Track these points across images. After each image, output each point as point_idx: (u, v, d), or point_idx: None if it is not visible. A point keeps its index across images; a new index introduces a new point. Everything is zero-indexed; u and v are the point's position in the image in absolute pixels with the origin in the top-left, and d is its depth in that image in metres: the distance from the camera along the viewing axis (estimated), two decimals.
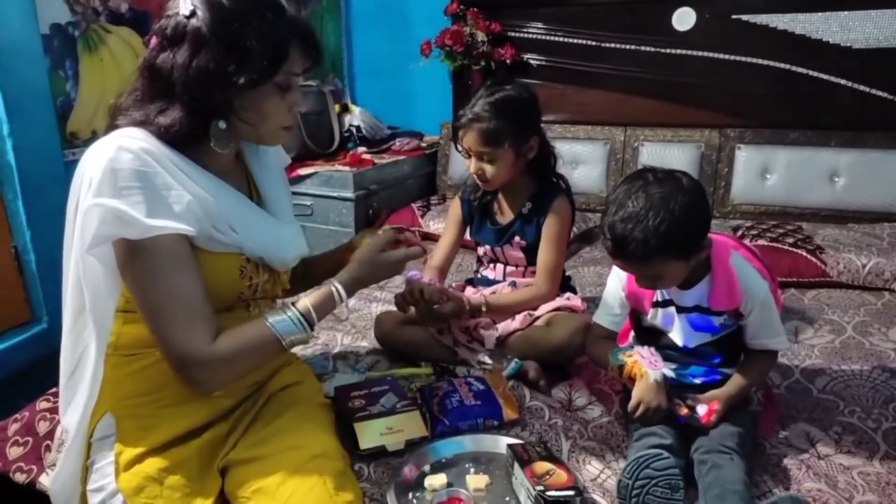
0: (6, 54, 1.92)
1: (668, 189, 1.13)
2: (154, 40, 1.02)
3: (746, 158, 2.69)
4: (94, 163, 0.97)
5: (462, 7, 3.05)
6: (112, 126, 1.04)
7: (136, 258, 0.98)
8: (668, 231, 1.09)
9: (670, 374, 1.21)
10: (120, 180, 0.94)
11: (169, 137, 1.01)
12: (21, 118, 1.98)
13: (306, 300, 1.11)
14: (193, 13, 0.97)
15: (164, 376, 1.07)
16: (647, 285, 1.24)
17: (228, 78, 0.98)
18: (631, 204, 1.12)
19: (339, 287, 1.16)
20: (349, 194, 2.77)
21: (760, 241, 2.24)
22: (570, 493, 1.03)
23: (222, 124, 1.03)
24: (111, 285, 1.02)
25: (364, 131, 3.25)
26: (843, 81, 2.58)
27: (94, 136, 2.27)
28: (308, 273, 1.37)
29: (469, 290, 1.73)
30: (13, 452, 1.31)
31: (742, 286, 1.21)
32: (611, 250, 1.17)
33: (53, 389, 1.49)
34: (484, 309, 1.56)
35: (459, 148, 1.59)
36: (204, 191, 1.03)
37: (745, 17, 2.66)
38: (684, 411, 1.20)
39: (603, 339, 1.36)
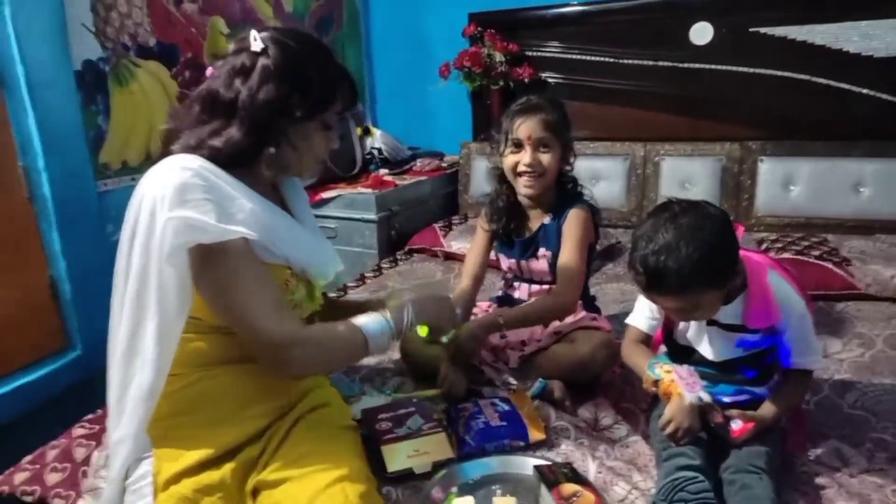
0: (42, 90, 1.99)
1: (696, 218, 1.12)
2: (214, 71, 1.14)
3: (769, 170, 2.67)
4: (158, 183, 1.03)
5: (479, 29, 3.09)
6: (167, 151, 1.12)
7: (214, 263, 1.03)
8: (702, 259, 1.08)
9: (707, 398, 1.19)
10: (188, 193, 1.01)
11: (221, 158, 1.09)
12: (55, 151, 2.05)
13: (386, 311, 1.19)
14: (265, 51, 1.10)
15: (198, 399, 1.12)
16: (684, 318, 1.23)
17: (288, 109, 1.10)
18: (661, 236, 1.11)
19: (411, 309, 1.20)
20: (372, 216, 2.81)
21: (786, 254, 2.22)
22: None
23: (272, 150, 1.13)
24: (183, 302, 1.04)
25: (385, 153, 3.29)
26: (865, 91, 2.56)
27: (124, 167, 2.35)
28: (334, 314, 1.39)
29: (483, 306, 1.74)
30: (51, 479, 1.35)
31: (779, 303, 1.20)
32: (644, 284, 1.15)
33: (89, 416, 1.54)
34: (501, 321, 1.53)
35: (509, 138, 1.58)
36: (256, 205, 1.10)
37: (762, 30, 2.66)
38: (719, 419, 1.18)
39: (639, 346, 1.35)
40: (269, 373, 1.15)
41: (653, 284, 1.13)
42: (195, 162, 1.06)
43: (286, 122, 1.12)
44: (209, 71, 1.15)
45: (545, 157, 1.55)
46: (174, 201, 1.00)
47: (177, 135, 1.13)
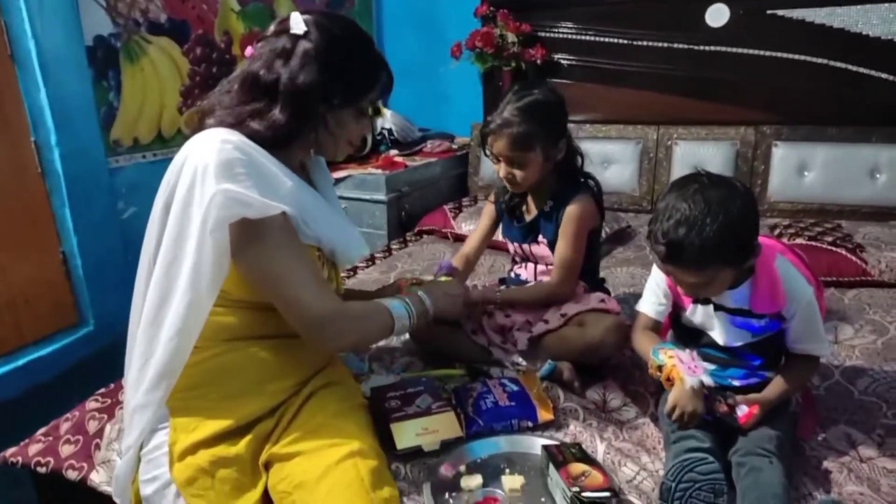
0: (53, 66, 1.99)
1: (725, 193, 1.09)
2: (253, 51, 1.15)
3: (783, 156, 2.65)
4: (200, 155, 1.03)
5: (492, 9, 3.06)
6: (201, 126, 1.11)
7: (256, 238, 1.04)
8: (725, 236, 1.06)
9: (708, 381, 1.18)
10: (233, 167, 1.02)
11: (258, 139, 1.09)
12: (67, 128, 2.06)
13: (406, 298, 1.26)
14: (307, 34, 1.10)
15: (218, 372, 1.13)
16: (693, 293, 1.22)
17: (329, 94, 1.11)
18: (686, 206, 1.08)
19: (426, 298, 1.28)
20: (382, 197, 2.81)
21: (799, 240, 2.20)
22: (606, 494, 1.04)
23: (312, 135, 1.15)
24: (218, 275, 1.04)
25: (396, 134, 3.28)
26: (883, 75, 2.52)
27: (135, 144, 2.35)
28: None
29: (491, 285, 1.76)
30: (65, 451, 1.36)
31: (786, 290, 1.18)
32: (663, 256, 1.12)
33: (102, 390, 1.55)
34: (498, 296, 1.60)
35: (488, 153, 1.60)
36: (293, 182, 1.11)
37: (780, 13, 2.62)
38: (723, 409, 1.18)
39: (647, 331, 1.34)
40: (300, 348, 1.17)
41: (672, 257, 1.11)
42: (235, 136, 1.06)
43: (325, 107, 1.12)
44: (248, 51, 1.16)
45: (518, 173, 1.56)
46: (219, 175, 1.00)
47: (211, 112, 1.13)
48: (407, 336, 1.68)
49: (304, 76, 1.09)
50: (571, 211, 1.58)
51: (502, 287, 1.72)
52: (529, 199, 1.69)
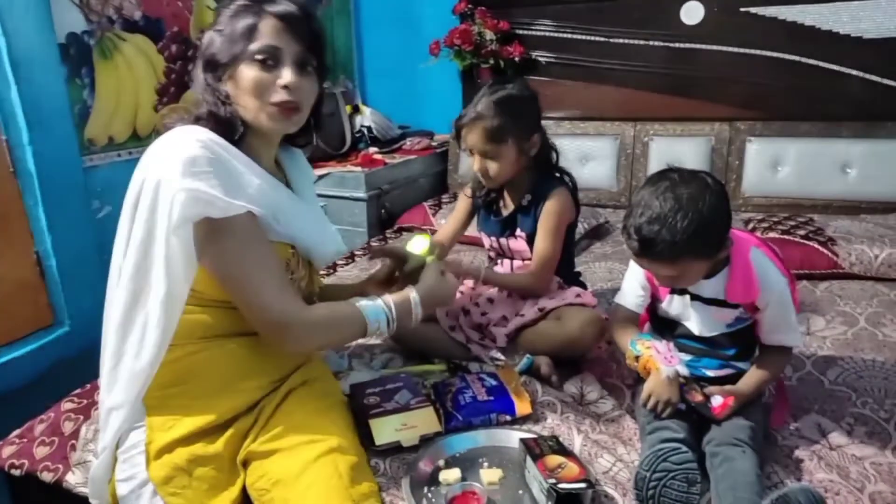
0: (25, 64, 1.96)
1: (695, 189, 1.12)
2: None
3: (757, 151, 2.69)
4: (165, 154, 1.02)
5: (470, 6, 3.07)
6: (164, 127, 1.12)
7: (220, 237, 1.03)
8: (696, 232, 1.09)
9: (684, 370, 1.22)
10: (197, 166, 1.00)
11: (214, 129, 1.09)
12: (40, 126, 2.02)
13: (388, 297, 1.21)
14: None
15: (194, 370, 1.12)
16: (667, 284, 1.24)
17: (216, 57, 1.11)
18: (658, 205, 1.12)
19: (416, 297, 1.23)
20: (362, 194, 2.80)
21: (772, 234, 2.24)
22: (582, 485, 1.05)
23: (229, 108, 1.12)
24: (188, 273, 1.03)
25: (375, 132, 3.27)
26: (853, 72, 2.57)
27: (110, 143, 2.32)
28: (331, 298, 1.40)
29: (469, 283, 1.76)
30: (40, 452, 1.35)
31: (759, 281, 1.21)
32: (637, 251, 1.16)
33: (77, 391, 1.54)
34: (481, 274, 1.61)
35: (463, 147, 1.62)
36: (262, 181, 1.10)
37: (753, 10, 2.66)
38: (698, 398, 1.20)
39: (626, 324, 1.36)
40: (269, 347, 1.15)
41: (645, 251, 1.15)
42: (203, 133, 1.05)
43: (220, 72, 1.12)
44: None
45: (491, 166, 1.57)
46: (184, 172, 0.99)
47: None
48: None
49: (202, 48, 1.13)
50: (550, 206, 1.59)
51: (484, 265, 1.73)
52: (506, 194, 1.71)
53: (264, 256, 1.07)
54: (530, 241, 1.64)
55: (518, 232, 1.67)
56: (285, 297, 1.08)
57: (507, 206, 1.70)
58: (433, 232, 2.66)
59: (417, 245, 1.42)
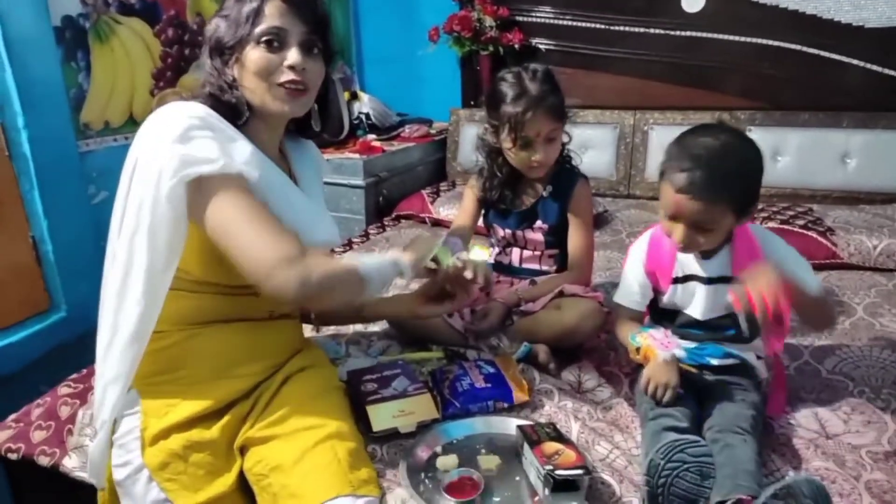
0: (19, 47, 1.94)
1: (742, 139, 1.17)
2: None
3: (757, 140, 2.59)
4: (160, 125, 1.02)
5: None
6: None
7: (213, 192, 1.00)
8: (740, 174, 1.13)
9: (681, 353, 1.23)
10: (191, 130, 1.01)
11: (216, 108, 1.09)
12: (35, 110, 2.00)
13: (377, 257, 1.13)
14: None
15: (188, 355, 1.12)
16: (690, 241, 1.20)
17: (222, 42, 1.11)
18: (710, 141, 1.15)
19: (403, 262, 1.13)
20: (360, 181, 2.79)
21: (771, 224, 2.24)
22: (579, 472, 1.05)
23: (236, 92, 1.11)
24: (174, 241, 1.02)
25: (373, 118, 3.26)
26: (854, 61, 2.56)
27: (106, 127, 2.30)
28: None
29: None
30: (37, 436, 1.35)
31: (762, 247, 1.23)
32: (680, 184, 1.14)
33: (74, 375, 1.53)
34: (518, 295, 1.60)
35: (518, 142, 1.52)
36: (254, 153, 1.09)
37: None
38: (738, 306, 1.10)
39: (629, 322, 1.36)
40: (271, 299, 1.09)
41: (689, 185, 1.13)
42: (197, 108, 1.06)
43: (227, 55, 1.12)
44: None
45: (555, 148, 1.56)
46: (176, 139, 0.99)
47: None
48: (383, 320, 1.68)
49: (208, 34, 1.14)
50: (583, 202, 1.62)
51: (517, 286, 1.67)
52: (525, 184, 1.68)
53: (257, 208, 1.02)
54: (551, 231, 1.64)
55: (538, 224, 1.65)
56: (282, 240, 1.00)
57: (528, 198, 1.68)
58: (432, 221, 2.66)
59: (480, 253, 1.41)
